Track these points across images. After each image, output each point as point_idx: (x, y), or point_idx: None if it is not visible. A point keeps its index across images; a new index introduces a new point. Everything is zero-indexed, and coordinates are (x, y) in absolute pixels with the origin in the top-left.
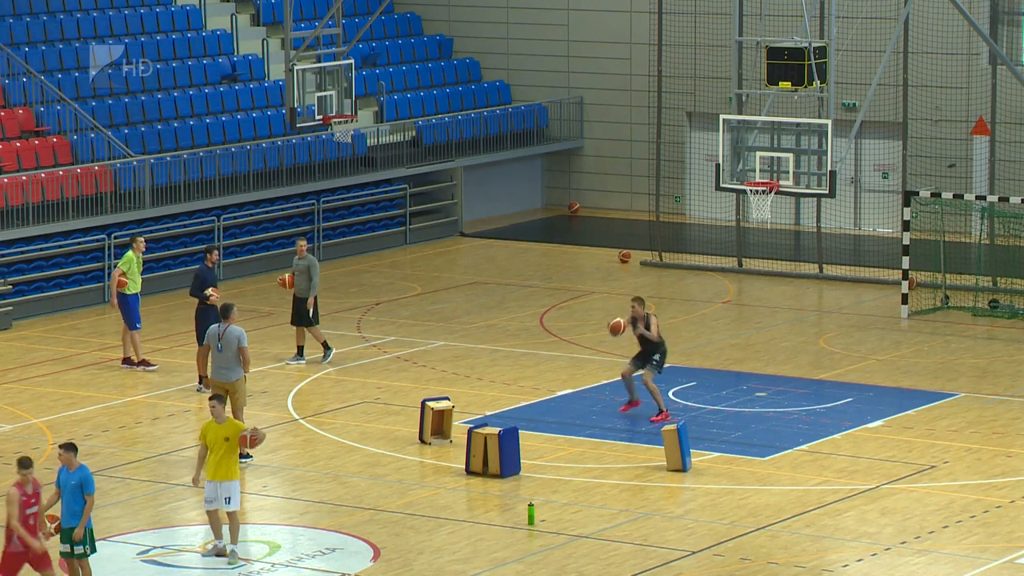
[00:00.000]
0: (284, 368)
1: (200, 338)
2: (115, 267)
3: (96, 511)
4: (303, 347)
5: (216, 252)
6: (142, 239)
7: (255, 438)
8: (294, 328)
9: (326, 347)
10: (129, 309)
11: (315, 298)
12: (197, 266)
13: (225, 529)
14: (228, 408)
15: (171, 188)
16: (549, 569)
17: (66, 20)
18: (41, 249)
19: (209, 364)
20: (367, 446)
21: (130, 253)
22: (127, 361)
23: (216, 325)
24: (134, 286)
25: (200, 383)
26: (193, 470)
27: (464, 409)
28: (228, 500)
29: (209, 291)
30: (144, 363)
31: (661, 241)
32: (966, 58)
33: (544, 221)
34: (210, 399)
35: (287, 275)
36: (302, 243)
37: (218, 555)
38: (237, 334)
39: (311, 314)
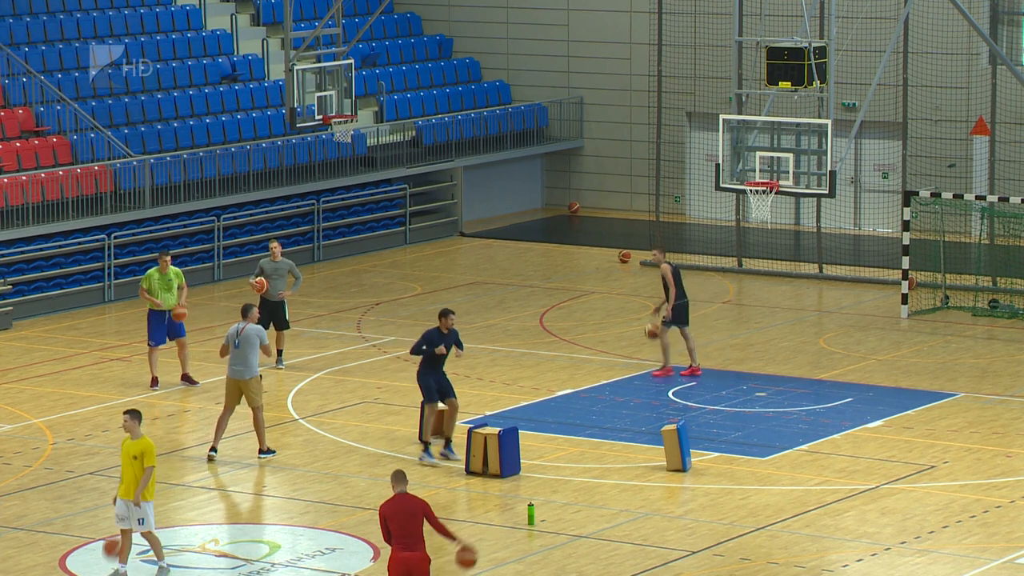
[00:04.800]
0: (284, 368)
1: (428, 394)
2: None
3: (96, 511)
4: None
5: (451, 318)
6: (167, 257)
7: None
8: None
9: (280, 354)
10: (149, 324)
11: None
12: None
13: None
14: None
15: (171, 188)
16: (549, 569)
17: (66, 20)
18: (41, 249)
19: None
20: (367, 446)
21: (152, 270)
22: (185, 378)
23: (235, 324)
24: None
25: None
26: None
27: (464, 409)
28: (141, 521)
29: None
30: (154, 380)
31: (661, 241)
32: (966, 58)
33: (544, 221)
34: (124, 413)
35: (263, 279)
36: (277, 246)
37: None
38: (258, 332)
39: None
